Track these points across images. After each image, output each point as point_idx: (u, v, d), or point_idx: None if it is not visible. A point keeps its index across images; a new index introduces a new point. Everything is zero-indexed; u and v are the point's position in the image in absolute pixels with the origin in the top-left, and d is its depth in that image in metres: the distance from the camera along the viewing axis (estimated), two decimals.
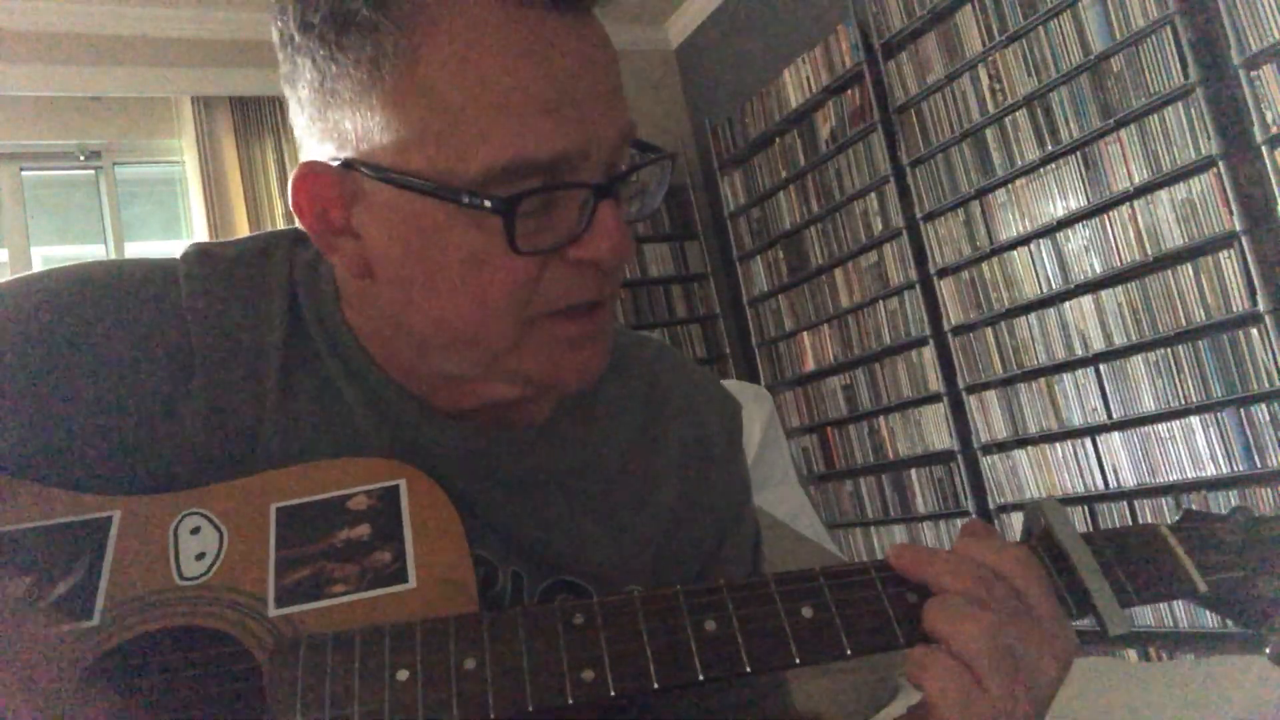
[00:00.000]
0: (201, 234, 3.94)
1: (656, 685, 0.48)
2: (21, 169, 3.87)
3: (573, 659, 0.49)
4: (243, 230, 3.91)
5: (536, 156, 0.51)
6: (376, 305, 0.60)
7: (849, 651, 0.51)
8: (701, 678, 0.49)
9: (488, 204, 0.51)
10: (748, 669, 0.50)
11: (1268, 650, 0.56)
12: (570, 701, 0.47)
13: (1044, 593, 0.53)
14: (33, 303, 0.59)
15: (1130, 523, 2.99)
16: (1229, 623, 0.60)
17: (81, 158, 3.99)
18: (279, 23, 0.55)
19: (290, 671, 0.48)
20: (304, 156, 0.57)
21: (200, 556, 0.54)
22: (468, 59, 0.50)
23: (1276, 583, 0.57)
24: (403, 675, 0.48)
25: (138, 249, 4.02)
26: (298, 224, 0.59)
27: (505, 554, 0.63)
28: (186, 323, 0.60)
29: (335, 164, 0.55)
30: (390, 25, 0.51)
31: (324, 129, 0.55)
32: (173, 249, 0.65)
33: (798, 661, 0.51)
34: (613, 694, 0.48)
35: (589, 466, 0.68)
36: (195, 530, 0.55)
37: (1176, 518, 0.62)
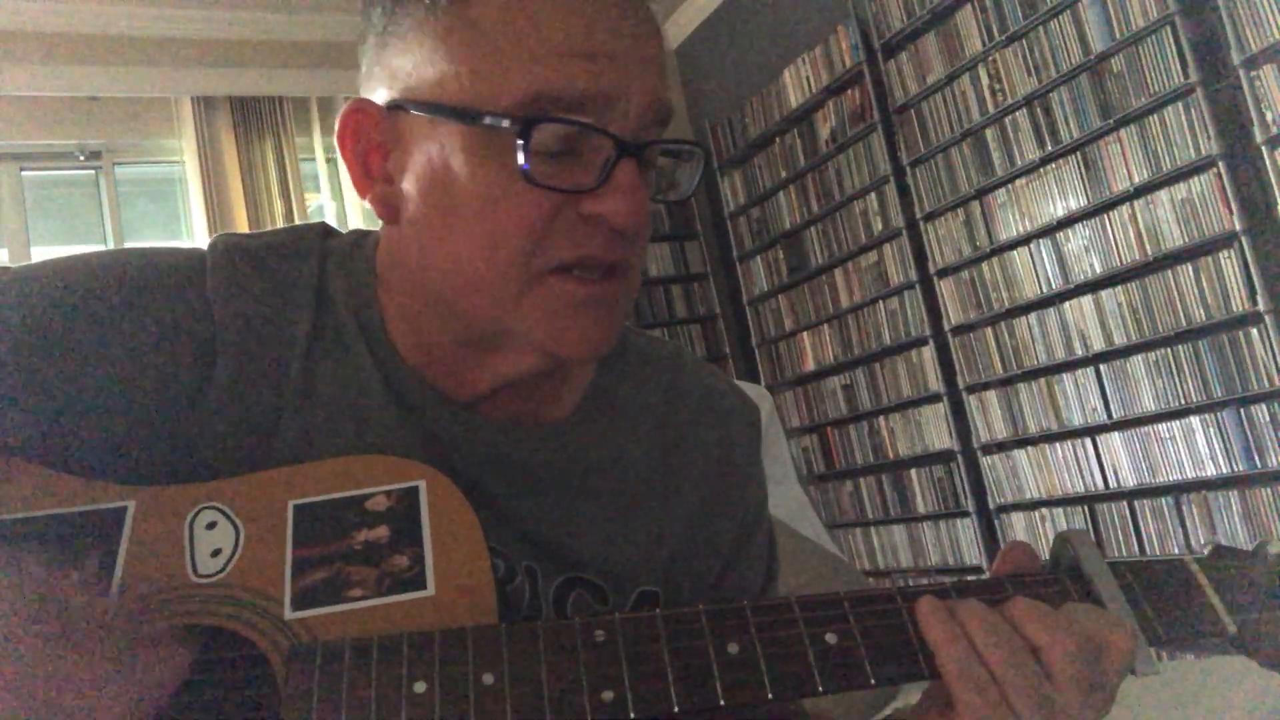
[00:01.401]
0: (201, 234, 3.94)
1: (677, 709, 0.48)
2: (21, 169, 3.86)
3: (593, 679, 0.48)
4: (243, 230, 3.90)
5: (562, 93, 0.53)
6: (404, 267, 0.61)
7: (873, 681, 0.50)
8: (723, 703, 0.48)
9: (505, 123, 0.53)
10: (770, 696, 0.49)
11: None
12: None
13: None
14: (60, 286, 0.58)
15: (1130, 521, 3.00)
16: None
17: (81, 158, 3.99)
18: None
19: (306, 679, 0.47)
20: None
21: (216, 553, 0.53)
22: (516, 1, 0.54)
23: None
24: (420, 687, 0.47)
25: None
26: (311, 220, 0.61)
27: (521, 549, 0.63)
28: (211, 313, 0.59)
29: (382, 103, 0.59)
30: None
31: (380, 73, 0.59)
32: None
33: (820, 690, 0.49)
34: (632, 716, 0.47)
35: (608, 464, 0.68)
36: (211, 525, 0.53)
37: (1205, 552, 0.60)
